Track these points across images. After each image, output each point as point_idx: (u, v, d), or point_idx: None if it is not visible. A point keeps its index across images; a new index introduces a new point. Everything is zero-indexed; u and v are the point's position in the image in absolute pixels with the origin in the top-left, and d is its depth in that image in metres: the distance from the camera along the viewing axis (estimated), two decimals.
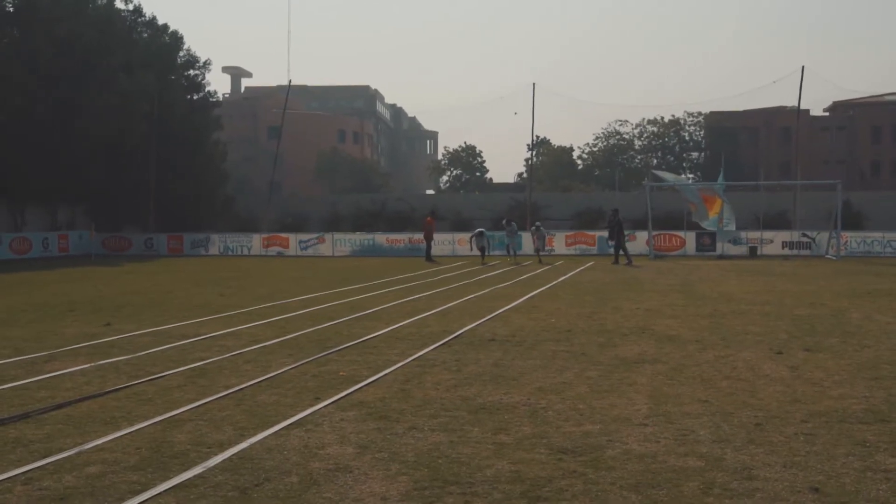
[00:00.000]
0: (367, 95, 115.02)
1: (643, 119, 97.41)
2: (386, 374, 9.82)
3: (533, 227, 35.38)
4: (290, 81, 60.63)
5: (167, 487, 5.81)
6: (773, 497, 5.54)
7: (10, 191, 39.16)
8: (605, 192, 67.14)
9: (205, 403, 8.36)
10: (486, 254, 34.73)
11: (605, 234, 39.98)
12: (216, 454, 6.58)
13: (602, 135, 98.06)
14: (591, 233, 41.50)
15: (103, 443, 6.95)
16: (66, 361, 10.83)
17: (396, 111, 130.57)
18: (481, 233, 34.92)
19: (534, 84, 79.65)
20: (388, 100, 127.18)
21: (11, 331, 13.84)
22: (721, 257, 37.26)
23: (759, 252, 37.90)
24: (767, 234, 39.02)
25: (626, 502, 5.49)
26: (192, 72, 52.34)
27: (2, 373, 10.07)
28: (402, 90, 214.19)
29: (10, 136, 36.34)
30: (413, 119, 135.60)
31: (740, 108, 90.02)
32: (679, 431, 7.16)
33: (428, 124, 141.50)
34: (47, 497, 5.63)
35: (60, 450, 6.74)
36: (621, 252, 33.02)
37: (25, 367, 10.49)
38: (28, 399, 8.63)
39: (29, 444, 6.95)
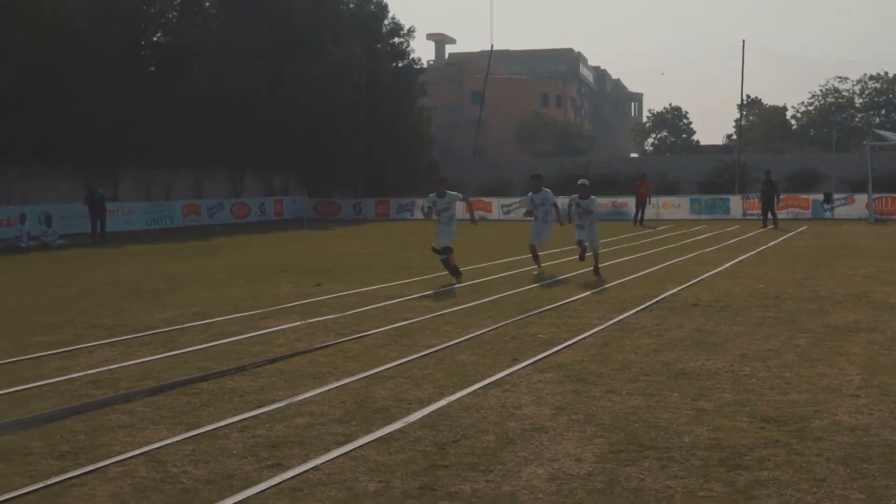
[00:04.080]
0: (570, 58, 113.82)
1: (864, 75, 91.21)
2: (584, 338, 9.78)
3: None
4: (493, 47, 60.87)
5: (369, 440, 6.04)
6: None
7: (231, 159, 41.48)
8: (821, 153, 63.63)
9: (406, 362, 8.62)
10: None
11: (820, 197, 38.02)
12: (416, 410, 6.77)
13: (819, 93, 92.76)
14: (804, 196, 39.50)
15: (311, 396, 7.30)
16: (280, 319, 11.42)
17: (600, 73, 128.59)
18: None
19: (743, 41, 76.18)
20: (592, 62, 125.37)
21: (231, 290, 14.73)
22: None
23: None
24: None
25: (833, 475, 5.23)
26: (396, 40, 53.47)
27: (222, 328, 10.75)
28: (605, 52, 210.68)
29: (231, 106, 38.43)
30: (617, 81, 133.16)
31: None
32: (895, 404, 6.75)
33: (632, 86, 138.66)
34: (260, 444, 5.98)
35: (272, 401, 7.13)
36: (769, 215, 31.59)
37: (243, 323, 11.15)
38: (244, 353, 9.17)
39: (245, 394, 7.40)
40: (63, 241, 27.68)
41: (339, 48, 45.03)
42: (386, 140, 48.98)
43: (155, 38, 40.95)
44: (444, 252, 15.15)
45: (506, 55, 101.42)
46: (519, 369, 8.19)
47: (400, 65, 53.70)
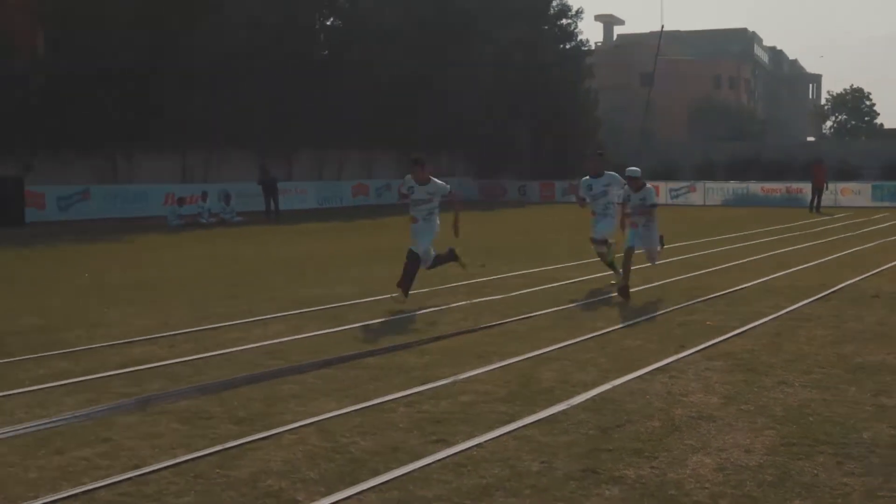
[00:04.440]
0: (744, 39, 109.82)
1: None
2: (755, 327, 9.46)
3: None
4: (663, 27, 59.53)
5: (533, 420, 6.05)
6: None
7: (399, 140, 42.26)
8: None
9: (571, 344, 8.58)
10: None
11: None
12: (580, 393, 6.74)
13: None
14: None
15: (476, 374, 7.37)
16: (446, 298, 11.59)
17: (776, 54, 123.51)
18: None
19: None
20: (767, 42, 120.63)
21: (398, 268, 14.97)
22: None
23: None
24: None
25: None
26: (564, 21, 53.01)
27: (389, 306, 10.99)
28: (782, 32, 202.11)
29: (400, 88, 39.14)
30: (794, 62, 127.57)
31: None
32: None
33: (810, 67, 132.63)
34: (426, 419, 6.09)
35: (438, 378, 7.24)
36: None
37: (410, 301, 11.35)
38: (411, 330, 9.35)
39: (411, 370, 7.55)
40: (240, 218, 28.97)
41: (507, 31, 45.07)
42: (552, 122, 48.73)
43: (328, 23, 42.12)
44: (413, 267, 11.20)
45: (676, 36, 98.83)
46: (686, 356, 8.01)
47: (567, 47, 53.23)
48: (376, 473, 5.05)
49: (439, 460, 5.26)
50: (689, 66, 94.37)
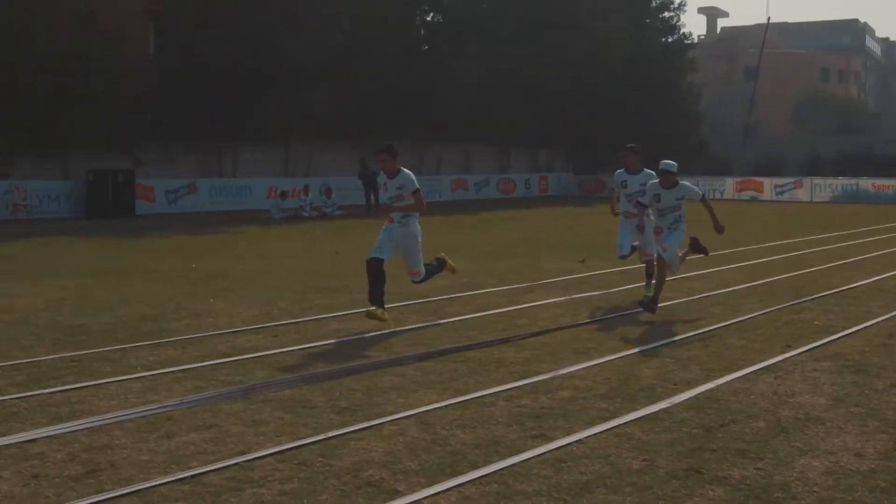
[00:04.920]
0: (854, 30, 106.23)
1: None
2: (867, 327, 9.17)
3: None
4: (769, 19, 58.04)
5: (634, 418, 5.98)
6: None
7: (498, 135, 42.22)
8: None
9: (672, 342, 8.45)
10: None
11: None
12: (682, 391, 6.63)
13: None
14: None
15: (575, 370, 7.33)
16: (544, 293, 11.54)
17: (889, 45, 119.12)
18: None
19: None
20: (880, 33, 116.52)
21: (499, 262, 15.04)
22: None
23: None
24: None
25: None
26: (666, 14, 52.18)
27: (488, 300, 11.01)
28: None
29: (499, 83, 39.11)
30: None
31: None
32: None
33: None
34: (525, 414, 6.08)
35: (537, 373, 7.22)
36: None
37: (508, 296, 11.36)
38: (510, 325, 9.35)
39: (510, 365, 7.55)
40: (341, 212, 29.37)
41: (607, 23, 44.59)
42: (653, 117, 48.02)
43: (428, 18, 42.37)
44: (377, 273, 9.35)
45: (782, 28, 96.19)
46: (793, 356, 7.81)
47: (669, 40, 52.39)
48: (476, 466, 5.06)
49: (538, 455, 5.24)
50: (796, 58, 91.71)
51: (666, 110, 48.66)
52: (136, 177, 28.48)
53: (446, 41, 39.03)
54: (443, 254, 10.62)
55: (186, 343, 8.42)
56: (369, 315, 9.09)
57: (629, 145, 11.54)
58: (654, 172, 10.77)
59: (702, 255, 11.34)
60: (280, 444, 5.44)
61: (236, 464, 5.08)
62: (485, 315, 10.01)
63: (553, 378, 7.07)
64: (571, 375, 7.16)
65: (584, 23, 43.74)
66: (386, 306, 9.33)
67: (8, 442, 5.46)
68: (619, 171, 11.56)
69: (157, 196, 29.32)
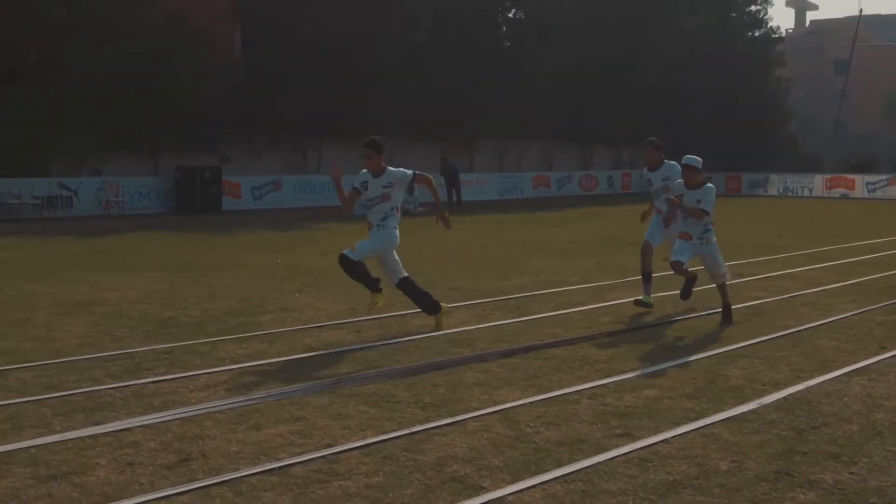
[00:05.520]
0: None
1: None
2: None
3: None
4: (861, 11, 56.42)
5: (721, 418, 5.88)
6: None
7: (581, 132, 41.94)
8: None
9: (760, 342, 8.28)
10: None
11: None
12: (770, 392, 6.50)
13: None
14: None
15: (660, 369, 7.24)
16: (627, 291, 11.41)
17: None
18: None
19: None
20: None
21: (581, 259, 14.95)
22: None
23: None
24: None
25: None
26: (753, 8, 51.22)
27: (571, 297, 10.95)
28: None
29: (582, 79, 38.83)
30: None
31: None
32: None
33: None
34: (609, 412, 6.03)
35: (621, 371, 7.16)
36: None
37: (591, 293, 11.28)
38: (594, 322, 9.28)
39: (594, 363, 7.49)
40: (423, 209, 29.48)
41: (693, 18, 43.90)
42: (739, 112, 47.13)
43: (510, 14, 42.28)
44: (353, 268, 8.88)
45: (876, 20, 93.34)
46: (887, 358, 7.58)
47: (756, 34, 51.42)
48: (560, 464, 5.04)
49: (624, 454, 5.20)
50: (890, 51, 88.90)
51: (753, 105, 47.72)
52: (223, 174, 29.08)
53: (529, 38, 38.89)
54: (444, 305, 9.17)
55: (273, 337, 8.56)
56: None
57: (649, 139, 10.45)
58: (676, 164, 9.82)
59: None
60: (365, 437, 5.49)
61: (323, 456, 5.15)
62: (568, 312, 9.95)
63: (638, 376, 7.00)
64: (656, 374, 7.08)
65: (668, 18, 43.13)
66: (470, 302, 9.32)
67: (104, 430, 5.63)
68: (643, 169, 10.74)
69: (243, 192, 29.90)
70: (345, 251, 8.79)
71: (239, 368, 7.31)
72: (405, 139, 34.64)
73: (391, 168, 8.91)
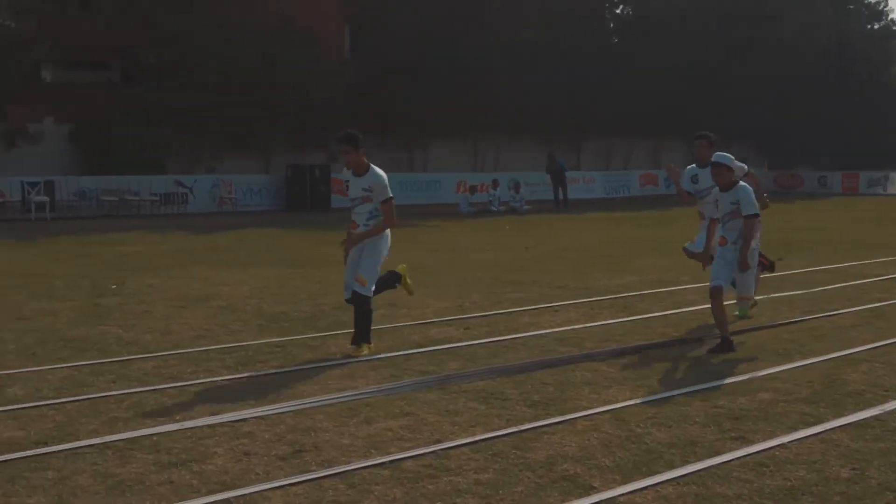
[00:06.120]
0: None
1: None
2: None
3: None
4: None
5: (840, 424, 5.70)
6: None
7: (688, 129, 41.03)
8: None
9: (882, 346, 7.98)
10: None
11: None
12: (894, 398, 6.26)
13: None
14: None
15: (776, 372, 7.05)
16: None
17: None
18: None
19: None
20: None
21: (690, 259, 14.62)
22: None
23: None
24: None
25: None
26: (872, 0, 49.40)
27: (682, 297, 10.75)
28: None
29: (690, 76, 38.07)
30: None
31: None
32: None
33: None
34: (722, 415, 5.90)
35: (734, 374, 7.00)
36: None
37: (702, 293, 10.91)
38: (704, 323, 9.07)
39: (706, 364, 7.36)
40: (529, 207, 29.42)
41: (807, 11, 42.59)
42: (856, 109, 45.49)
43: (618, 11, 41.79)
44: (359, 302, 7.87)
45: None
46: None
47: (875, 27, 49.53)
48: (672, 466, 4.96)
49: (738, 458, 5.08)
50: None
51: (869, 102, 46.00)
52: (332, 171, 29.55)
53: (636, 34, 38.37)
54: (403, 265, 8.70)
55: (381, 333, 8.65)
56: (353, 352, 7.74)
57: (704, 133, 9.51)
58: (741, 164, 8.92)
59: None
60: (474, 434, 5.51)
61: (433, 452, 5.18)
62: (678, 312, 9.78)
63: (751, 379, 6.83)
64: (771, 377, 6.89)
65: (780, 10, 41.93)
66: (578, 301, 9.24)
67: (221, 420, 5.79)
68: (690, 165, 9.66)
69: None
70: (355, 288, 7.82)
71: (349, 363, 7.43)
72: (511, 137, 34.64)
73: (376, 169, 7.89)
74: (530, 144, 35.28)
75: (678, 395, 6.39)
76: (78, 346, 8.04)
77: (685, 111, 38.58)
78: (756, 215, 8.03)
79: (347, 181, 8.11)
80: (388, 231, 8.07)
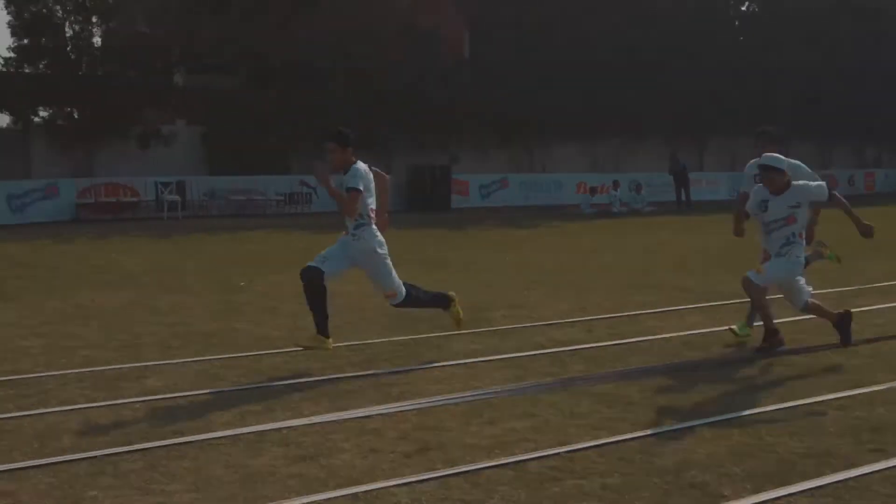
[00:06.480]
0: None
1: None
2: None
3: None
4: None
5: None
6: None
7: (818, 129, 39.74)
8: None
9: None
10: None
11: None
12: None
13: None
14: None
15: None
16: (873, 298, 10.74)
17: None
18: None
19: None
20: None
21: (821, 263, 14.13)
22: None
23: None
24: None
25: None
26: None
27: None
28: None
29: (819, 74, 36.86)
30: None
31: None
32: None
33: None
34: (860, 426, 5.67)
35: (872, 383, 6.72)
36: None
37: (834, 299, 10.63)
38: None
39: (841, 372, 7.09)
40: (651, 208, 28.99)
41: None
42: None
43: (743, 8, 40.79)
44: (406, 305, 7.94)
45: None
46: None
47: None
48: (806, 477, 4.80)
49: (879, 471, 4.88)
50: None
51: None
52: (452, 172, 29.76)
53: (763, 32, 37.33)
54: (453, 293, 8.24)
55: (504, 333, 8.67)
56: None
57: (763, 128, 8.42)
58: (798, 163, 8.06)
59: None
60: (599, 437, 5.45)
61: (558, 454, 5.15)
62: (809, 319, 9.43)
63: (891, 388, 6.55)
64: None
65: None
66: (704, 305, 9.04)
67: (348, 416, 5.89)
68: (751, 162, 8.35)
69: (471, 190, 30.48)
70: (392, 303, 7.73)
71: (472, 363, 7.46)
72: (631, 136, 34.19)
73: (357, 165, 7.66)
74: (652, 145, 34.75)
75: (811, 403, 6.19)
76: (210, 341, 8.32)
77: (816, 110, 37.32)
78: (831, 191, 7.56)
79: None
80: (373, 227, 7.78)
